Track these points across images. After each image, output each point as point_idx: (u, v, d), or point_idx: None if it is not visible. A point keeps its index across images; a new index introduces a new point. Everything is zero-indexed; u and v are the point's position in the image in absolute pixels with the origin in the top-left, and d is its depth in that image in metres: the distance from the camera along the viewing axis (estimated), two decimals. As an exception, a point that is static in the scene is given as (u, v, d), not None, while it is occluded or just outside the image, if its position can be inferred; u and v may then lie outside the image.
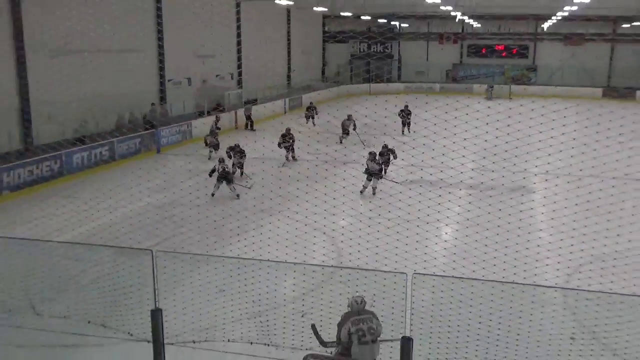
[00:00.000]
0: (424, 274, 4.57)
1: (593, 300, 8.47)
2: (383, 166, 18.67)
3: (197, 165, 21.51)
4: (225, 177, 16.81)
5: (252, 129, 29.89)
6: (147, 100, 27.39)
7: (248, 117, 30.38)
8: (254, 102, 34.38)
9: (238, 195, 16.98)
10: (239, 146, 19.74)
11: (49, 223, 14.08)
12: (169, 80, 30.09)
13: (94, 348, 8.15)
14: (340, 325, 6.74)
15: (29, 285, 9.58)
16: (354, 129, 25.92)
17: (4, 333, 6.84)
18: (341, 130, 26.40)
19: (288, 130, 22.66)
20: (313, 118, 31.19)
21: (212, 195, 17.14)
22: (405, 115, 28.81)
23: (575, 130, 21.32)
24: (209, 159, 21.93)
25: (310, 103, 32.66)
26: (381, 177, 17.92)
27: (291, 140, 22.38)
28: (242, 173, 19.45)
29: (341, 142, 25.86)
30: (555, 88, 43.43)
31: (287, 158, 22.42)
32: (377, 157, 17.94)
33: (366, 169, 17.57)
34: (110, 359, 8.09)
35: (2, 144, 18.54)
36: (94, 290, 9.73)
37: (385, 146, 19.49)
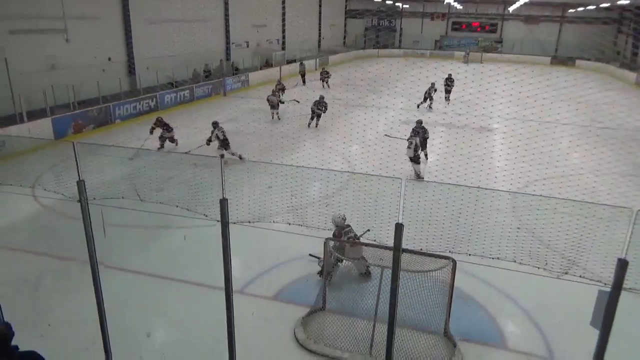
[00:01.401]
0: (412, 180, 4.51)
1: (533, 205, 8.42)
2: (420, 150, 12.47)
3: (253, 104, 21.30)
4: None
5: (304, 84, 26.83)
6: (216, 57, 27.03)
7: (303, 74, 27.37)
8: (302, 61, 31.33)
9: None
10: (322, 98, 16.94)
11: (149, 142, 14.23)
12: (232, 43, 29.51)
13: (182, 229, 8.42)
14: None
15: (137, 183, 9.81)
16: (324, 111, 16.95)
17: (117, 214, 7.04)
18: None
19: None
20: (326, 81, 25.99)
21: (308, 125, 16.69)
22: (449, 84, 21.56)
23: (529, 85, 20.59)
24: (272, 118, 18.01)
25: (323, 68, 27.82)
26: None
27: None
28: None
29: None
30: (516, 56, 42.03)
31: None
32: (413, 144, 12.24)
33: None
34: (193, 234, 8.37)
35: (115, 87, 18.60)
36: (183, 187, 9.94)
37: (419, 122, 12.72)
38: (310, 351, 5.83)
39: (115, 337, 4.98)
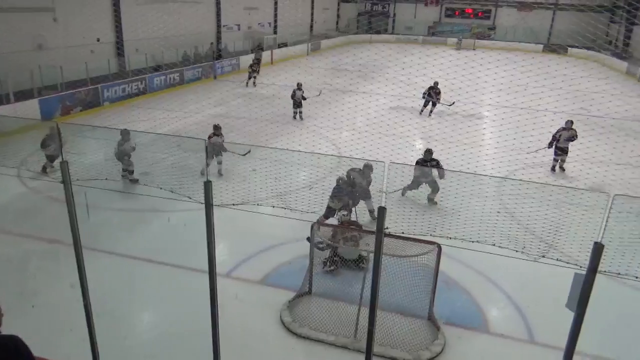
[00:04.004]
0: (397, 163, 4.54)
1: (514, 190, 8.51)
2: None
3: (243, 88, 21.13)
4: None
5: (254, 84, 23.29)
6: (206, 40, 26.66)
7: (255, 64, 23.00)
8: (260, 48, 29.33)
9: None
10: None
11: (137, 125, 14.10)
12: (223, 26, 29.08)
13: (168, 212, 8.40)
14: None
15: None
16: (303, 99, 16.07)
17: (104, 197, 7.05)
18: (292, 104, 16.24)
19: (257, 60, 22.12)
20: (253, 77, 21.85)
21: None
22: (434, 94, 16.96)
23: (520, 73, 20.61)
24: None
25: (255, 57, 24.05)
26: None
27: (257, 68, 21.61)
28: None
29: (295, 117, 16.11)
30: (509, 43, 41.92)
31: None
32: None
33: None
34: (180, 217, 8.36)
35: (104, 69, 18.38)
36: (169, 171, 9.90)
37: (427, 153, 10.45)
38: (295, 334, 5.89)
39: (100, 320, 4.98)
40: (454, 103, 16.75)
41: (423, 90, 17.14)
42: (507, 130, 13.31)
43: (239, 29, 31.14)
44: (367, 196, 8.15)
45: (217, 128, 10.62)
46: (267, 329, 5.97)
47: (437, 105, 17.05)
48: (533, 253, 6.24)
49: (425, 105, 17.15)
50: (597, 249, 3.22)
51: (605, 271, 3.25)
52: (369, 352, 4.27)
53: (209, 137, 10.32)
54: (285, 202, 8.31)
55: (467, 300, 6.63)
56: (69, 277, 6.14)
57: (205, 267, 4.37)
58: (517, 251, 4.73)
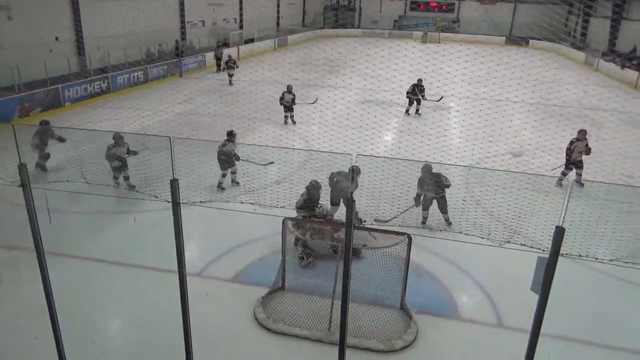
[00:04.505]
0: (364, 155, 4.56)
1: (479, 178, 8.67)
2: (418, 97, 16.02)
3: (209, 86, 20.82)
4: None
5: (218, 71, 24.18)
6: (171, 37, 26.09)
7: (218, 59, 24.47)
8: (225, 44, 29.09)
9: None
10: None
11: (101, 125, 13.71)
12: (188, 22, 28.53)
13: (134, 213, 8.20)
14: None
15: (85, 167, 9.45)
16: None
17: (66, 200, 6.82)
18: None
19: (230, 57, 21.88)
20: (230, 74, 21.42)
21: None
22: (418, 92, 16.09)
23: (483, 65, 21.04)
24: (285, 123, 15.20)
25: (229, 57, 22.40)
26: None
27: (235, 66, 21.31)
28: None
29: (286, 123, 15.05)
30: (472, 36, 42.77)
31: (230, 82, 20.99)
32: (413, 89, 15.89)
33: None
34: (147, 218, 8.18)
35: (64, 67, 17.76)
36: (134, 170, 9.66)
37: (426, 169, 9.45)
38: (270, 330, 5.86)
39: (67, 325, 4.84)
40: (442, 98, 16.21)
41: (407, 89, 16.17)
42: (471, 120, 13.60)
43: (203, 25, 30.63)
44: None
45: (231, 135, 9.47)
46: (240, 326, 5.92)
47: (423, 102, 16.20)
48: (498, 239, 6.39)
49: (410, 104, 16.26)
50: (559, 233, 3.32)
51: (567, 254, 3.36)
52: (342, 344, 4.29)
53: (222, 145, 9.23)
54: (254, 198, 8.25)
55: (438, 289, 6.75)
56: (32, 284, 5.94)
57: (175, 267, 4.29)
58: (482, 238, 4.84)
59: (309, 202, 7.32)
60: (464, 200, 8.07)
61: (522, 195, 7.02)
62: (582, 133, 10.11)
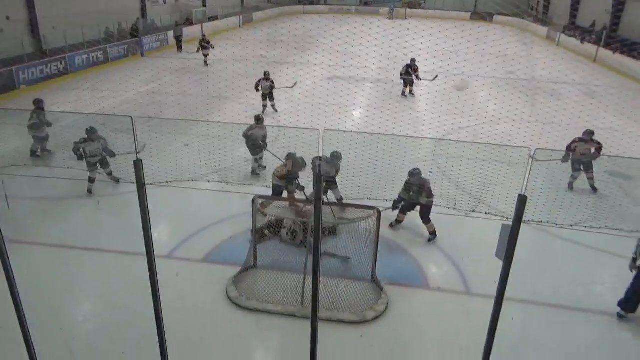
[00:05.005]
0: (331, 130, 4.55)
1: (445, 151, 8.81)
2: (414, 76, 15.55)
3: (172, 65, 20.24)
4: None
5: (180, 51, 23.50)
6: (131, 15, 25.11)
7: (179, 39, 23.71)
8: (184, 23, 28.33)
9: None
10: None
11: (61, 108, 13.16)
12: (148, 0, 27.46)
13: (96, 197, 7.98)
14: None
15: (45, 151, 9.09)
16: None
17: (27, 186, 6.57)
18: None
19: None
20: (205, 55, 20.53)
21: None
22: (412, 72, 15.65)
23: (450, 40, 21.15)
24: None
25: (203, 37, 21.68)
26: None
27: (210, 46, 20.45)
28: None
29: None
30: (439, 12, 42.92)
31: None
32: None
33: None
34: (113, 201, 7.99)
35: (17, 49, 16.87)
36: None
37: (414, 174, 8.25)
38: (243, 308, 5.88)
39: (33, 313, 4.71)
40: (437, 76, 15.75)
41: (400, 70, 15.83)
42: (441, 95, 13.73)
43: (165, 2, 29.59)
44: (334, 186, 7.98)
45: (259, 120, 9.08)
46: (213, 305, 5.91)
47: (416, 82, 15.77)
48: (464, 209, 6.54)
49: (405, 86, 15.86)
50: (521, 201, 3.41)
51: (529, 220, 3.46)
52: (314, 317, 4.34)
53: (248, 130, 8.77)
54: (223, 177, 8.16)
55: (407, 261, 6.89)
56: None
57: (143, 249, 4.21)
58: (449, 208, 4.94)
59: (291, 174, 7.31)
60: (430, 172, 8.19)
61: (486, 167, 7.18)
62: (587, 134, 8.90)
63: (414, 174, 7.10)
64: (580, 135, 8.97)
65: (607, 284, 6.56)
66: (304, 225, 6.84)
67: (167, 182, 5.47)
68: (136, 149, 4.22)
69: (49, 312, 5.64)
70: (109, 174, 8.44)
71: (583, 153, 8.73)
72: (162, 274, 4.43)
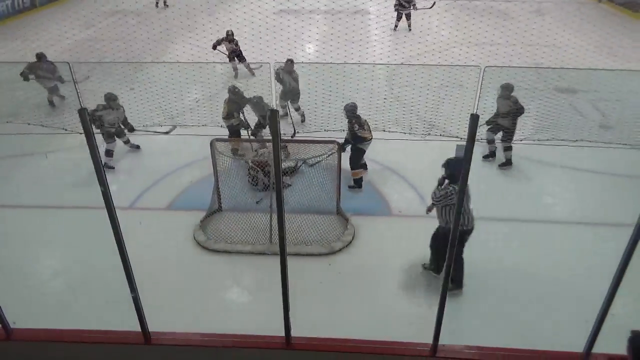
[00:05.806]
0: (282, 62, 4.41)
1: (398, 77, 8.81)
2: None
3: (114, 6, 18.75)
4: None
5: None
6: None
7: None
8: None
9: None
10: None
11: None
12: None
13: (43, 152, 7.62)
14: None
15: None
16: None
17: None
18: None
19: None
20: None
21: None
22: (407, 3, 14.57)
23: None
24: (235, 77, 11.47)
25: None
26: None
27: None
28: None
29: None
30: None
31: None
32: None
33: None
34: (58, 155, 7.68)
35: None
36: (42, 108, 8.84)
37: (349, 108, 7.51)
38: (212, 250, 5.95)
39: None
40: (434, 4, 14.74)
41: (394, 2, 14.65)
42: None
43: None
44: (296, 97, 7.70)
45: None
46: (182, 252, 5.95)
47: (412, 13, 14.66)
48: (419, 133, 6.65)
49: (399, 19, 14.70)
50: (473, 120, 3.49)
51: (481, 139, 3.57)
52: (282, 255, 4.45)
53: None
54: (176, 121, 7.92)
55: (370, 190, 7.05)
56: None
57: (101, 202, 4.12)
58: (405, 133, 5.01)
59: (231, 112, 7.21)
60: (384, 99, 8.20)
61: (438, 91, 7.23)
62: (504, 89, 6.91)
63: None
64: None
65: (557, 196, 6.94)
66: (263, 169, 6.83)
67: (114, 129, 5.25)
68: (78, 97, 4.01)
69: (10, 272, 5.54)
70: (126, 142, 7.94)
71: (505, 112, 6.85)
72: (125, 225, 4.36)
